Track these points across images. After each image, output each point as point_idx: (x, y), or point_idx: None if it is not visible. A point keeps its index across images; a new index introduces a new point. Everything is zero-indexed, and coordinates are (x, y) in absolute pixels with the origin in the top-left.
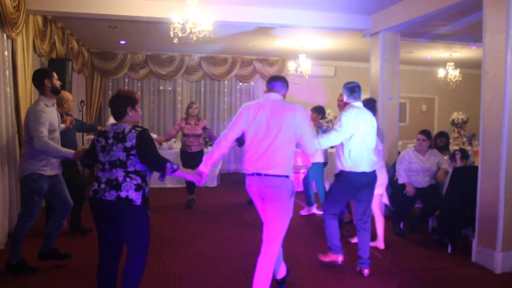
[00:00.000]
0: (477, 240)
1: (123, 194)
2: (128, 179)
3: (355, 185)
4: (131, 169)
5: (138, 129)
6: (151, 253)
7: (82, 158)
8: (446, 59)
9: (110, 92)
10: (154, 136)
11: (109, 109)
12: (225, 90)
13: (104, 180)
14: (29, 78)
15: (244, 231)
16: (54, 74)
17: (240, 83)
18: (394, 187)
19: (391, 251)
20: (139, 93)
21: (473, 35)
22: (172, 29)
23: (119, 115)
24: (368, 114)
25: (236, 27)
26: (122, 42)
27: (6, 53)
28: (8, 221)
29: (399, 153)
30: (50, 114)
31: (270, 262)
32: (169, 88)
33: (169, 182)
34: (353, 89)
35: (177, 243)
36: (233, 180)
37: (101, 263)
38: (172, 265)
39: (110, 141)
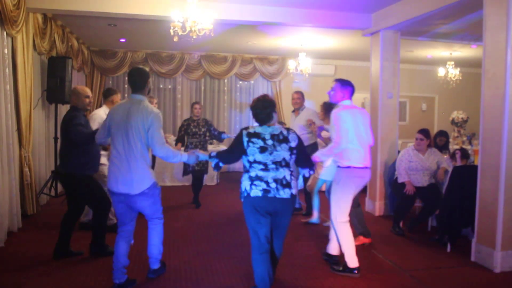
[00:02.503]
0: (477, 239)
1: (294, 191)
2: (292, 177)
3: None
4: (291, 167)
5: (292, 130)
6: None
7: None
8: (446, 58)
9: None
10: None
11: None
12: (225, 88)
13: (271, 179)
14: (29, 76)
15: (243, 229)
16: None
17: (240, 82)
18: (394, 186)
19: (390, 250)
20: None
21: (473, 34)
22: (172, 28)
23: (269, 119)
24: None
25: (236, 25)
26: (122, 40)
27: (6, 51)
28: (8, 219)
29: (398, 152)
30: None
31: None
32: (169, 87)
33: (169, 181)
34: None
35: (177, 242)
36: (232, 179)
37: (260, 258)
38: (171, 263)
39: (269, 142)
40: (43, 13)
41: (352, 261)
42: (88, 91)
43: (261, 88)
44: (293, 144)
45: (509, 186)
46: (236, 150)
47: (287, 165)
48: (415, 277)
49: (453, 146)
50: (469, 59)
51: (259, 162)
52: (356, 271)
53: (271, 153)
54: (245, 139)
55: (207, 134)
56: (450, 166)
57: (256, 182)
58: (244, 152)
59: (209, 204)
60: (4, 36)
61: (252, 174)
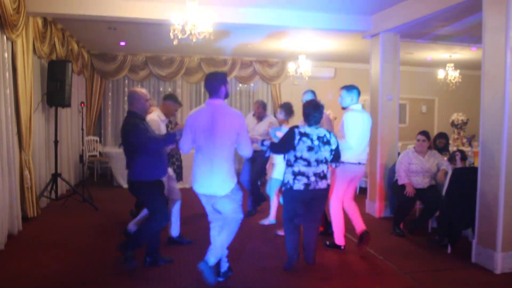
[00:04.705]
0: (477, 240)
1: (329, 182)
2: (328, 171)
3: None
4: (328, 163)
5: (333, 133)
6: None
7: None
8: (446, 60)
9: (110, 94)
10: None
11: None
12: None
13: (311, 174)
14: (29, 80)
15: (242, 230)
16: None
17: (240, 85)
18: (394, 188)
19: (390, 251)
20: None
21: (473, 36)
22: (172, 31)
23: (319, 121)
24: None
25: (236, 28)
26: (122, 43)
27: (6, 55)
28: (8, 222)
29: (398, 154)
30: None
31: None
32: (169, 89)
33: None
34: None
35: (177, 243)
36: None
37: (291, 225)
38: (171, 264)
39: (316, 143)
40: (43, 16)
41: (339, 239)
42: (147, 93)
43: (260, 91)
44: (334, 146)
45: (509, 187)
46: (287, 144)
47: (326, 162)
48: (415, 278)
49: (452, 148)
50: (468, 61)
51: (305, 159)
52: (342, 247)
53: (316, 152)
54: (297, 137)
55: None
56: (449, 169)
57: (298, 177)
58: (294, 148)
59: None
60: (4, 40)
61: (296, 169)
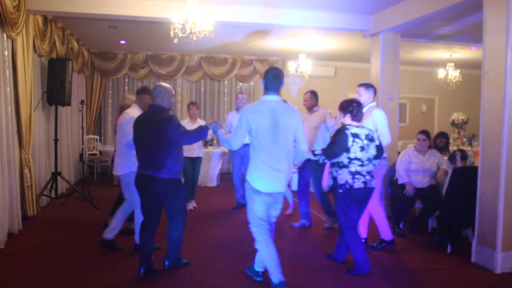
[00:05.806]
0: (477, 240)
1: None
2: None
3: None
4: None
5: (372, 129)
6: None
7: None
8: (446, 59)
9: (110, 92)
10: None
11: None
12: (225, 90)
13: (364, 172)
14: (29, 78)
15: (243, 230)
16: None
17: (240, 83)
18: (393, 187)
19: (390, 251)
20: None
21: (473, 36)
22: (172, 29)
23: (361, 118)
24: None
25: (236, 27)
26: (122, 42)
27: (6, 53)
28: (8, 220)
29: (398, 153)
30: None
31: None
32: None
33: None
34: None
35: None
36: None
37: (354, 234)
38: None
39: (365, 142)
40: (44, 15)
41: (387, 234)
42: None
43: (261, 89)
44: (377, 142)
45: (509, 187)
46: (342, 148)
47: (372, 160)
48: (415, 278)
49: (452, 148)
50: (469, 60)
51: (359, 159)
52: (391, 240)
53: (366, 151)
54: (350, 138)
55: None
56: (450, 168)
57: (357, 176)
58: (347, 150)
59: (209, 204)
60: (4, 38)
61: (352, 169)
